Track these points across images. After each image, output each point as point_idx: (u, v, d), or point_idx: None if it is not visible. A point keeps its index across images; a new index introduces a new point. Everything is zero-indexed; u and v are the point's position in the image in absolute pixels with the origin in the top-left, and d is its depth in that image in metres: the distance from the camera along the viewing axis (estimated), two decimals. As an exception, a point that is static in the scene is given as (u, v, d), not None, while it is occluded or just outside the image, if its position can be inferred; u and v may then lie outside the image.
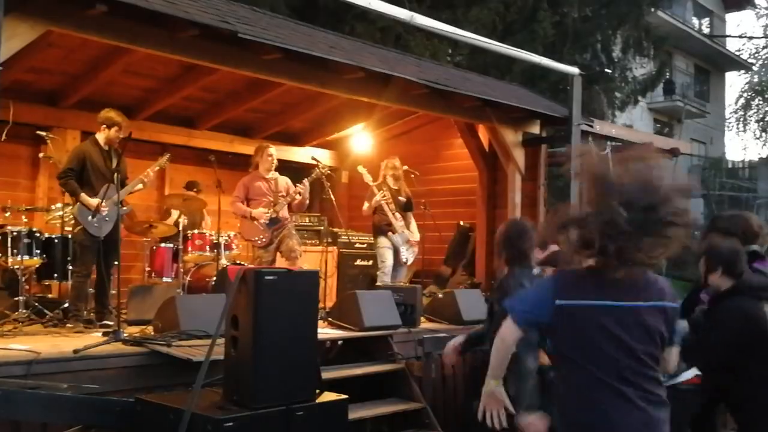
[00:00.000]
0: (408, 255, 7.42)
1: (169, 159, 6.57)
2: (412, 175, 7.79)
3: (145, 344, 4.58)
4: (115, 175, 5.65)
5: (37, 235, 6.05)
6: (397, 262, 7.35)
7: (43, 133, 6.27)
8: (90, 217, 5.69)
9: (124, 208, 6.10)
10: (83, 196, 5.71)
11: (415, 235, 7.51)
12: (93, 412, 3.77)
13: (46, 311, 5.85)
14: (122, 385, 4.26)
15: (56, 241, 6.19)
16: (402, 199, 7.44)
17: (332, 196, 7.17)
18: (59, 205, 6.43)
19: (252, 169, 7.05)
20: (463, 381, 6.17)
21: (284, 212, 6.90)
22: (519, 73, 12.58)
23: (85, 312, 5.88)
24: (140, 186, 6.17)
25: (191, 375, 3.78)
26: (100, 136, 5.94)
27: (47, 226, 6.61)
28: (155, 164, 6.36)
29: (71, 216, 6.28)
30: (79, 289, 5.82)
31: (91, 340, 4.70)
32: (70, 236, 6.11)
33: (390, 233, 7.29)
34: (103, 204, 5.71)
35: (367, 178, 7.42)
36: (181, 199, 7.13)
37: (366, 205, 7.38)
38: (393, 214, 7.31)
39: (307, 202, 7.11)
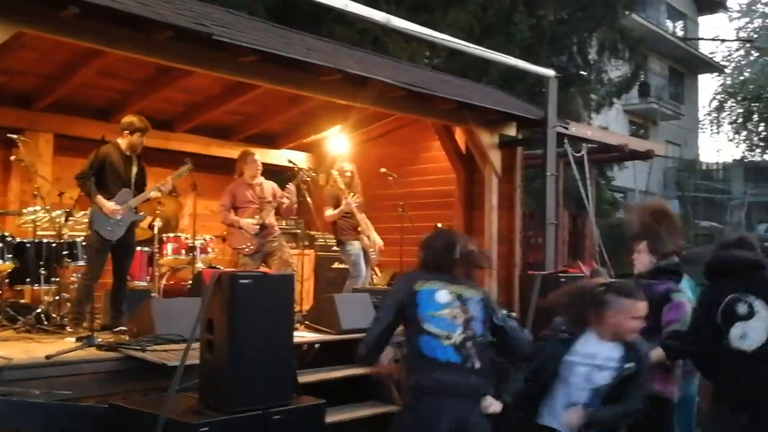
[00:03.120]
0: (375, 255, 7.35)
1: (190, 168, 6.43)
2: (390, 178, 7.79)
3: (120, 349, 4.53)
4: (132, 180, 5.81)
5: (9, 239, 5.97)
6: (368, 264, 7.28)
7: (15, 136, 6.20)
8: (107, 220, 5.70)
9: (140, 214, 6.10)
10: (99, 198, 5.68)
11: (377, 239, 7.35)
12: (66, 418, 3.73)
13: (18, 317, 5.77)
14: (96, 391, 4.22)
15: (28, 245, 6.10)
16: (360, 200, 7.28)
17: (309, 199, 7.15)
18: (31, 208, 6.35)
19: (236, 175, 7.00)
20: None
21: (270, 218, 6.86)
22: (496, 76, 12.64)
23: (59, 317, 5.83)
24: (157, 193, 6.19)
25: (166, 380, 3.75)
26: (122, 142, 5.98)
27: (19, 230, 6.52)
28: (175, 172, 6.33)
29: (45, 219, 6.23)
30: (84, 293, 5.76)
31: (64, 345, 4.64)
32: (79, 240, 6.14)
33: (361, 236, 7.22)
34: (120, 208, 5.77)
35: (340, 183, 7.21)
36: (156, 203, 7.06)
37: (331, 212, 7.13)
38: (360, 215, 7.20)
39: (295, 206, 7.05)
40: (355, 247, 7.16)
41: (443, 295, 3.48)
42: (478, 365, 3.38)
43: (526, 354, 3.71)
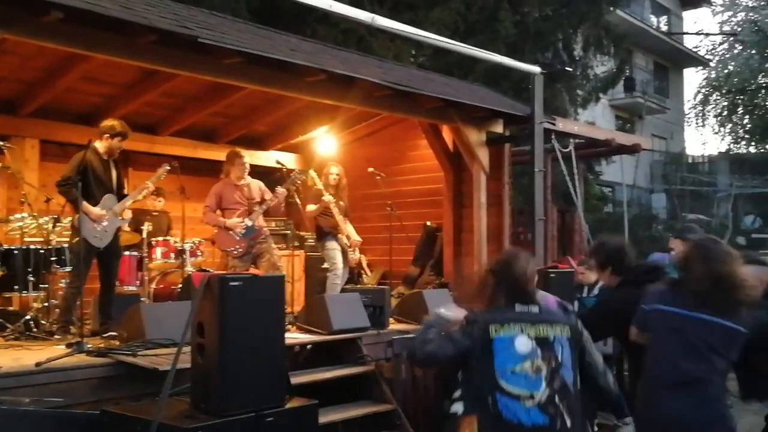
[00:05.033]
0: (354, 255, 7.36)
1: (167, 170, 6.37)
2: (378, 177, 7.79)
3: (110, 355, 4.51)
4: (113, 184, 5.74)
5: (-3, 246, 5.94)
6: (346, 263, 7.28)
7: (0, 143, 6.15)
8: (94, 227, 5.66)
9: (123, 218, 6.06)
10: (86, 205, 5.61)
11: (355, 236, 7.38)
12: (57, 426, 3.71)
13: (7, 324, 5.73)
14: (87, 398, 4.19)
15: (16, 252, 6.06)
16: (342, 204, 7.35)
17: (298, 200, 7.14)
18: (18, 215, 6.31)
19: (223, 175, 6.95)
20: (434, 381, 6.18)
21: (260, 220, 6.83)
22: (482, 73, 12.67)
23: (48, 323, 5.79)
24: (140, 197, 6.17)
25: (158, 384, 3.73)
26: (101, 145, 5.88)
27: (7, 237, 6.48)
28: (154, 175, 6.29)
29: (32, 225, 6.19)
30: (71, 300, 5.71)
31: (54, 352, 4.61)
32: (66, 245, 6.07)
33: (339, 235, 7.21)
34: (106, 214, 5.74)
35: (318, 183, 7.22)
36: (147, 215, 7.06)
37: (312, 207, 7.13)
38: (339, 216, 7.23)
39: (282, 207, 7.04)
40: (332, 243, 7.15)
41: (523, 343, 2.95)
42: (569, 422, 2.91)
43: (613, 401, 3.23)
